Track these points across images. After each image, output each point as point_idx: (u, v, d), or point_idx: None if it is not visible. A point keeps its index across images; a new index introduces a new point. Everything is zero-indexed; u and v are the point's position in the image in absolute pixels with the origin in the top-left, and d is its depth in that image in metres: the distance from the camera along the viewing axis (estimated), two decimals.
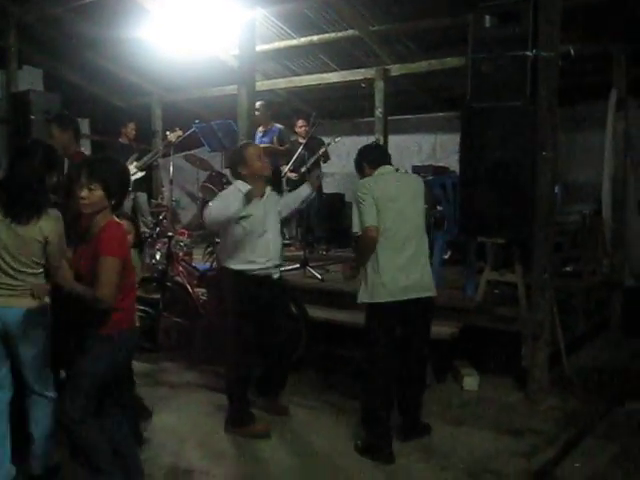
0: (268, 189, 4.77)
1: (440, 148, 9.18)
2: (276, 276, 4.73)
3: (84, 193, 3.25)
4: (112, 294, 3.22)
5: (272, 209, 4.74)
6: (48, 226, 3.57)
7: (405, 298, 4.23)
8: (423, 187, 4.55)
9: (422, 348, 4.51)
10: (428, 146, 9.93)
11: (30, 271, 3.56)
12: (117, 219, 3.44)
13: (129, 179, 3.66)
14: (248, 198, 4.37)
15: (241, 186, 4.54)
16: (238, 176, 4.70)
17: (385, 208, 4.21)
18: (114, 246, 3.26)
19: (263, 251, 4.58)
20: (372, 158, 4.50)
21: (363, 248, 4.29)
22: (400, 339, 4.39)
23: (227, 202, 4.46)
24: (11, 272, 3.53)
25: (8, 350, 3.60)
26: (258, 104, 7.89)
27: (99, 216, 3.32)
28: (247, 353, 4.65)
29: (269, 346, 4.86)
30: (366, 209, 4.21)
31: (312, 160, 7.96)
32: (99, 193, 3.26)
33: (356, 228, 4.30)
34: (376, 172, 4.40)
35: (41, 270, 3.61)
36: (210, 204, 4.69)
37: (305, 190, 4.94)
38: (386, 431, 4.27)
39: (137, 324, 4.46)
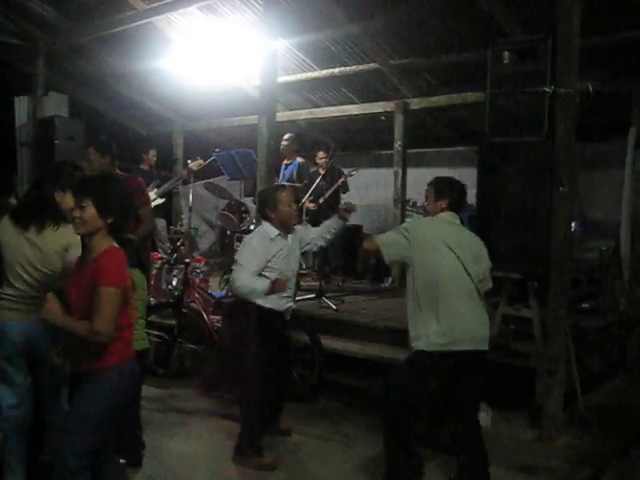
0: (292, 232, 4.78)
1: None
2: (290, 309, 4.84)
3: (76, 212, 3.06)
4: (110, 328, 2.98)
5: (295, 247, 4.80)
6: (65, 237, 3.58)
7: (457, 349, 3.89)
8: (484, 250, 4.20)
9: (474, 409, 4.19)
10: None
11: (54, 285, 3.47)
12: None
13: (127, 197, 3.31)
14: (273, 291, 4.43)
15: (268, 230, 4.63)
16: (265, 217, 4.70)
17: (436, 251, 3.95)
18: (113, 275, 3.02)
19: (286, 290, 4.62)
20: (457, 202, 4.20)
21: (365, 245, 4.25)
22: (449, 394, 4.15)
23: (256, 257, 4.51)
24: (36, 285, 3.57)
25: (30, 366, 3.64)
26: (287, 136, 7.99)
27: (96, 239, 3.10)
28: (265, 384, 4.65)
29: (276, 374, 4.92)
30: (394, 237, 4.08)
31: (330, 191, 8.01)
32: (91, 211, 3.04)
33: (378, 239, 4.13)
34: (441, 214, 4.16)
35: None
36: (236, 270, 4.52)
37: (335, 222, 4.96)
38: None
39: (146, 346, 4.45)
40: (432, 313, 3.89)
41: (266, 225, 4.67)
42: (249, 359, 4.62)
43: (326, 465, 4.58)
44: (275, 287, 4.42)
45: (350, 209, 4.86)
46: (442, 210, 4.17)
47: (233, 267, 4.59)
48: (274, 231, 4.61)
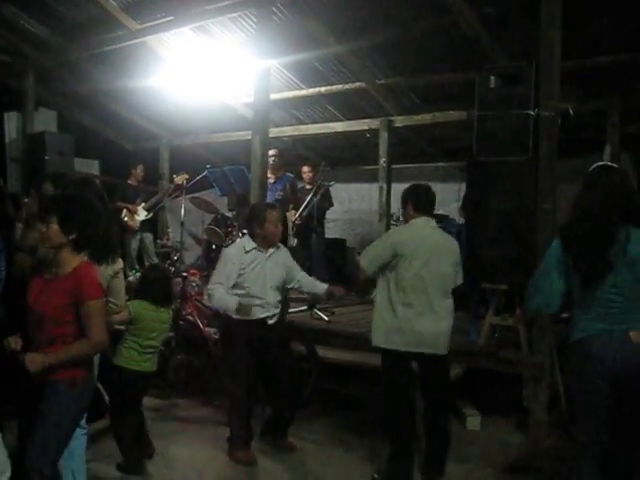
0: (274, 248, 5.05)
1: (439, 197, 9.39)
2: (270, 322, 5.01)
3: (42, 227, 3.32)
4: (106, 335, 3.29)
5: (275, 264, 5.03)
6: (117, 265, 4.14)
7: (415, 350, 4.40)
8: (457, 251, 4.69)
9: (439, 398, 4.66)
10: None
11: None
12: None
13: (92, 216, 3.43)
14: (241, 313, 4.78)
15: (246, 242, 5.00)
16: (251, 231, 5.01)
17: (413, 258, 4.36)
18: (97, 288, 3.31)
19: (259, 302, 4.88)
20: (421, 203, 4.60)
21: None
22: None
23: (227, 266, 4.91)
24: None
25: None
26: (272, 152, 8.17)
27: (64, 253, 3.30)
28: (243, 388, 4.92)
29: (273, 387, 5.14)
30: (373, 252, 4.51)
31: (308, 199, 8.31)
32: (54, 227, 3.27)
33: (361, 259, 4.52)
34: (416, 220, 4.56)
35: None
36: (210, 281, 5.00)
37: (321, 290, 5.22)
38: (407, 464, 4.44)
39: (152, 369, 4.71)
40: (392, 315, 4.46)
41: (245, 238, 5.04)
42: (228, 363, 5.04)
43: (330, 468, 4.82)
44: (237, 310, 4.77)
45: (338, 295, 5.27)
46: (413, 216, 4.59)
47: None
48: (251, 244, 4.93)
